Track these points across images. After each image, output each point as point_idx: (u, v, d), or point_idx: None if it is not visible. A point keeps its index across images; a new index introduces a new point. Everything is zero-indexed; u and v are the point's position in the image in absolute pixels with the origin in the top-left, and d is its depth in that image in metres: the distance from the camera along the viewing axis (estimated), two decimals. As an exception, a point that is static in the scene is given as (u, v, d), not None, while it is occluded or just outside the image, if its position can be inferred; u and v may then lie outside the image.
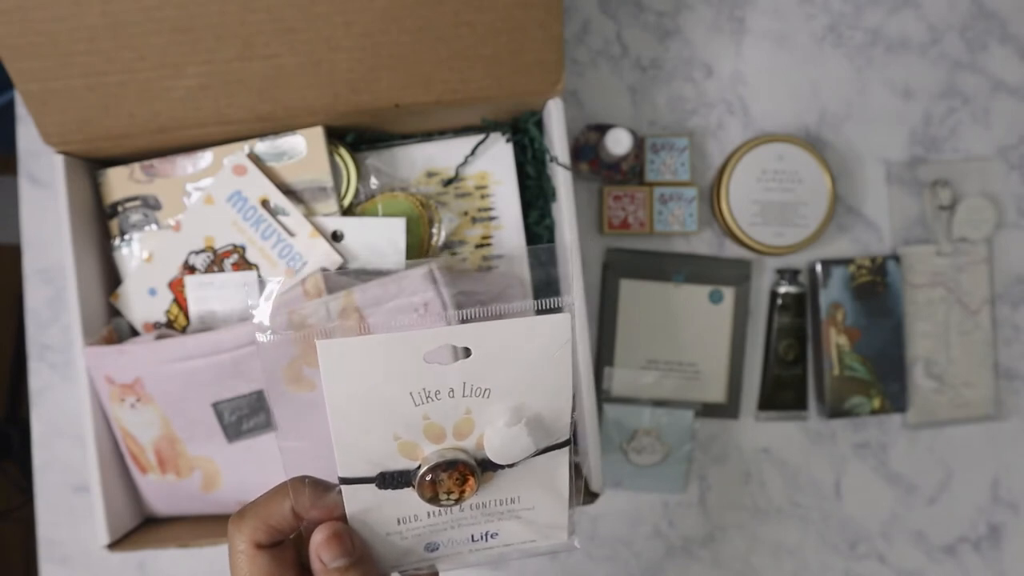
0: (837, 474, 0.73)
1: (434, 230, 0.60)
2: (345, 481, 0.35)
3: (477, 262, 0.61)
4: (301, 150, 0.57)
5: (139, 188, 0.59)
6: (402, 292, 0.52)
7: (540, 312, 0.32)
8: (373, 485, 0.35)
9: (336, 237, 0.57)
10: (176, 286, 0.57)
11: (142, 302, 0.58)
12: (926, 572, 0.73)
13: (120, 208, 0.59)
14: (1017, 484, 0.74)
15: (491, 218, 0.61)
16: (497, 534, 0.39)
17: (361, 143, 0.61)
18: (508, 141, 0.61)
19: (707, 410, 0.71)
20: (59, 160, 0.56)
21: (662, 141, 0.70)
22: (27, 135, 0.70)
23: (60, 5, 0.49)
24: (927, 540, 0.73)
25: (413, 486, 0.35)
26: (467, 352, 0.32)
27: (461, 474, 0.35)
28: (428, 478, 0.35)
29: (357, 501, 0.36)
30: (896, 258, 0.71)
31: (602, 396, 0.70)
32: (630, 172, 0.69)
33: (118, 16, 0.50)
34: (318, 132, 0.57)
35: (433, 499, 0.35)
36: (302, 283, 0.55)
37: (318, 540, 0.36)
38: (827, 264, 0.71)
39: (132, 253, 0.59)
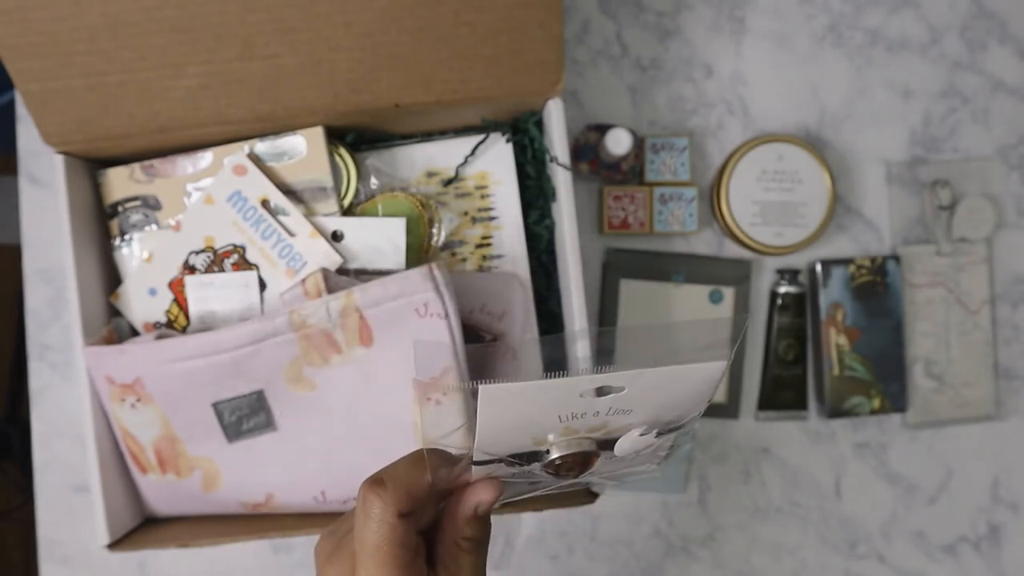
0: (837, 474, 0.73)
1: (434, 230, 0.60)
2: (476, 463, 0.35)
3: (477, 262, 0.61)
4: (301, 150, 0.57)
5: (139, 188, 0.59)
6: (403, 292, 0.52)
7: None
8: (502, 464, 0.36)
9: (336, 237, 0.57)
10: (176, 286, 0.57)
11: (142, 302, 0.58)
12: (926, 572, 0.73)
13: (120, 208, 0.59)
14: (1017, 484, 0.74)
15: (491, 218, 0.61)
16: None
17: (361, 143, 0.61)
18: (508, 141, 0.61)
19: (707, 410, 0.71)
20: (59, 160, 0.56)
21: (662, 141, 0.70)
22: (27, 135, 0.70)
23: (60, 5, 0.49)
24: (927, 540, 0.73)
25: (539, 463, 0.36)
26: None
27: (585, 457, 0.36)
28: (557, 463, 0.35)
29: (483, 470, 0.37)
30: (896, 258, 0.71)
31: (602, 396, 0.70)
32: (630, 172, 0.69)
33: (118, 16, 0.50)
34: (318, 132, 0.57)
35: (554, 473, 0.37)
36: (302, 283, 0.55)
37: (479, 489, 0.37)
38: (827, 264, 0.71)
39: (132, 253, 0.59)
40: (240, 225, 0.56)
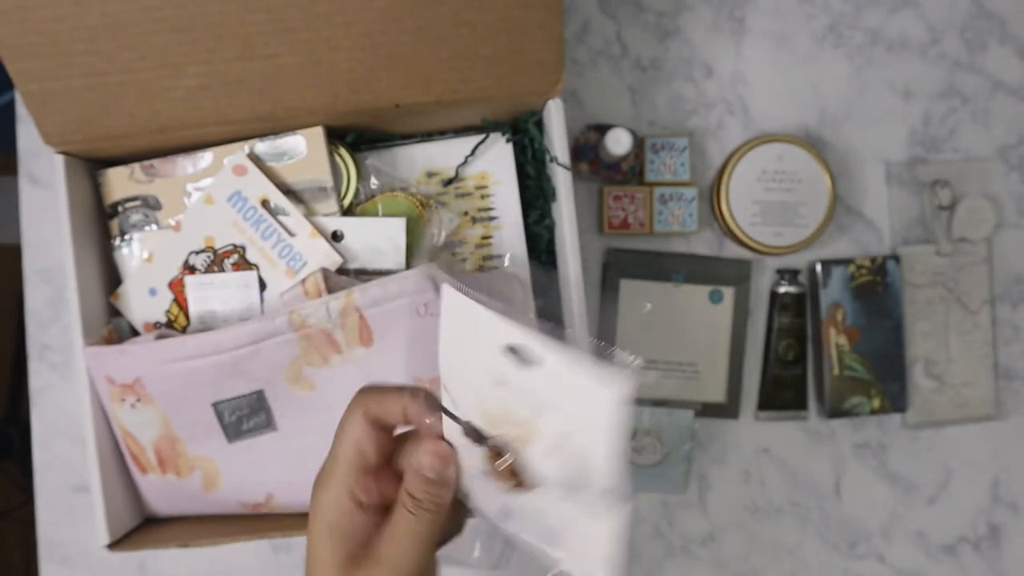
0: (837, 474, 0.73)
1: (434, 230, 0.60)
2: (445, 411, 0.38)
3: (477, 262, 0.61)
4: (301, 150, 0.57)
5: (139, 188, 0.59)
6: (402, 292, 0.52)
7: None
8: (461, 429, 0.38)
9: (336, 237, 0.57)
10: (176, 286, 0.57)
11: (142, 302, 0.58)
12: (926, 572, 0.73)
13: (120, 208, 0.59)
14: (1017, 484, 0.74)
15: (491, 218, 0.61)
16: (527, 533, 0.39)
17: (361, 143, 0.61)
18: (508, 141, 0.61)
19: (707, 410, 0.71)
20: (59, 160, 0.56)
21: (662, 141, 0.70)
22: (27, 135, 0.70)
23: (60, 5, 0.49)
24: (927, 540, 0.73)
25: (486, 447, 0.37)
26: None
27: (512, 472, 0.37)
28: (496, 449, 0.37)
29: (449, 434, 0.39)
30: (896, 258, 0.71)
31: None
32: (630, 172, 0.69)
33: (118, 16, 0.50)
34: (318, 132, 0.57)
35: (494, 474, 0.38)
36: (302, 283, 0.55)
37: (428, 448, 0.39)
38: (827, 264, 0.71)
39: (132, 253, 0.59)
40: (240, 225, 0.56)
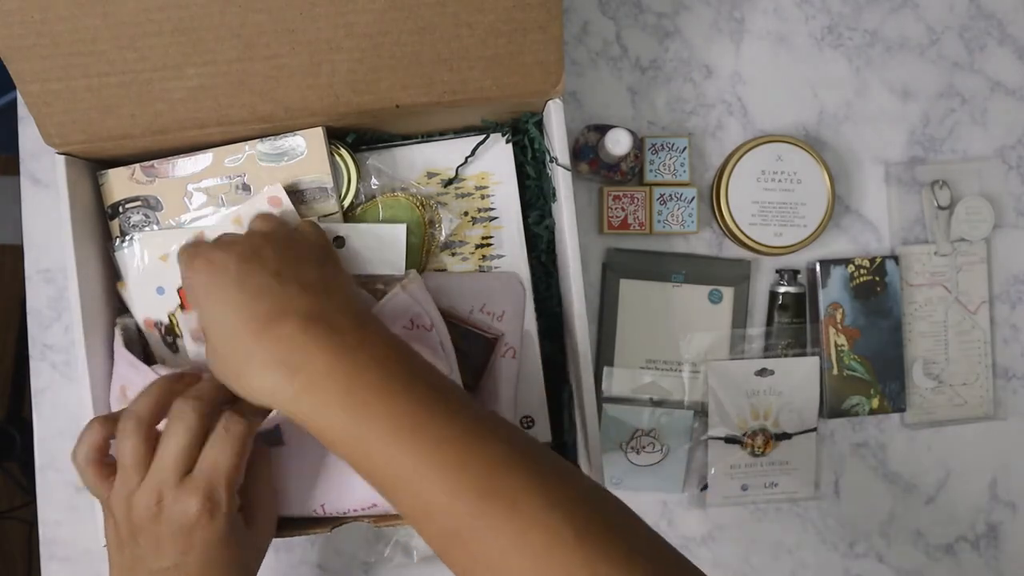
0: (836, 473, 0.73)
1: (434, 231, 0.60)
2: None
3: (477, 262, 0.61)
4: (301, 150, 0.57)
5: (140, 189, 0.59)
6: (395, 314, 0.53)
7: None
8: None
9: (337, 243, 0.57)
10: (184, 294, 0.57)
11: (148, 298, 0.58)
12: (925, 571, 0.73)
13: (121, 208, 0.59)
14: (1015, 483, 0.74)
15: (491, 218, 0.61)
16: None
17: (361, 143, 0.61)
18: (508, 142, 0.61)
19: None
20: (60, 161, 0.56)
21: (662, 141, 0.70)
22: (29, 136, 0.70)
23: (61, 6, 0.49)
24: (926, 539, 0.73)
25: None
26: None
27: None
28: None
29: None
30: (895, 258, 0.71)
31: (602, 396, 0.70)
32: (630, 172, 0.69)
33: (119, 17, 0.50)
34: (318, 132, 0.57)
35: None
36: None
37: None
38: (826, 264, 0.71)
39: (133, 253, 0.59)
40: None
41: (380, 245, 0.57)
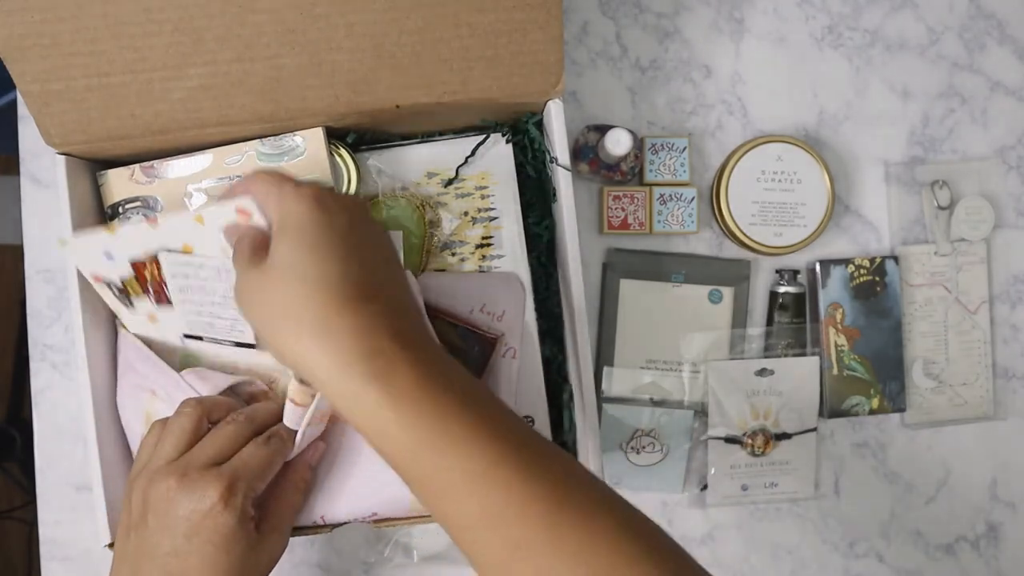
0: (836, 473, 0.73)
1: (434, 231, 0.60)
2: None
3: (477, 262, 0.61)
4: (301, 151, 0.57)
5: (139, 189, 0.59)
6: None
7: None
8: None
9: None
10: (141, 268, 0.52)
11: (95, 258, 0.53)
12: (925, 571, 0.73)
13: (121, 209, 0.59)
14: (1015, 483, 0.74)
15: (491, 218, 0.61)
16: None
17: (361, 144, 0.61)
18: (508, 142, 0.61)
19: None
20: (61, 161, 0.56)
21: (661, 141, 0.70)
22: (29, 136, 0.70)
23: (62, 6, 0.49)
24: (926, 539, 0.73)
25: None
26: None
27: None
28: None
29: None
30: (895, 258, 0.71)
31: (602, 396, 0.71)
32: (630, 172, 0.69)
33: (119, 17, 0.50)
34: (318, 133, 0.57)
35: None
36: None
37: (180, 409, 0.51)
38: (826, 264, 0.71)
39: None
40: (230, 255, 0.48)
41: None
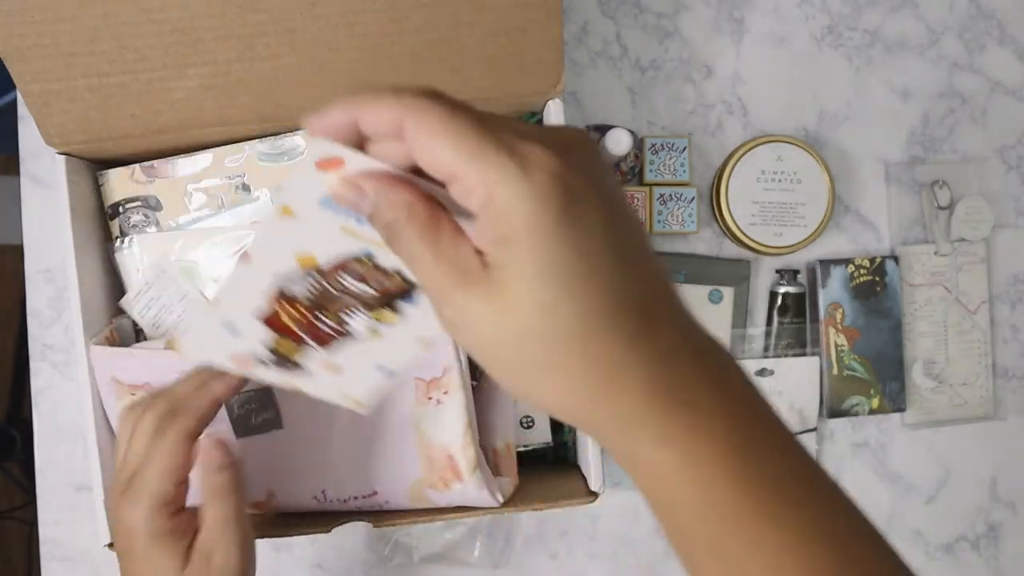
0: (836, 473, 0.73)
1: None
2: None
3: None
4: (301, 150, 0.57)
5: (140, 189, 0.59)
6: None
7: None
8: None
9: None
10: (275, 320, 0.40)
11: (218, 339, 0.42)
12: (925, 571, 0.73)
13: (121, 209, 0.59)
14: (1015, 483, 0.74)
15: (491, 218, 0.61)
16: None
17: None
18: (508, 142, 0.61)
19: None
20: (61, 161, 0.56)
21: (661, 141, 0.70)
22: (29, 136, 0.70)
23: (62, 6, 0.49)
24: (926, 539, 0.73)
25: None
26: None
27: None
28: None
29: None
30: (895, 258, 0.71)
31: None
32: (630, 172, 0.69)
33: (119, 17, 0.50)
34: (319, 133, 0.57)
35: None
36: None
37: (208, 445, 0.44)
38: (826, 264, 0.71)
39: (133, 255, 0.59)
40: (354, 229, 0.36)
41: None
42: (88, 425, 0.56)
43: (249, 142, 0.57)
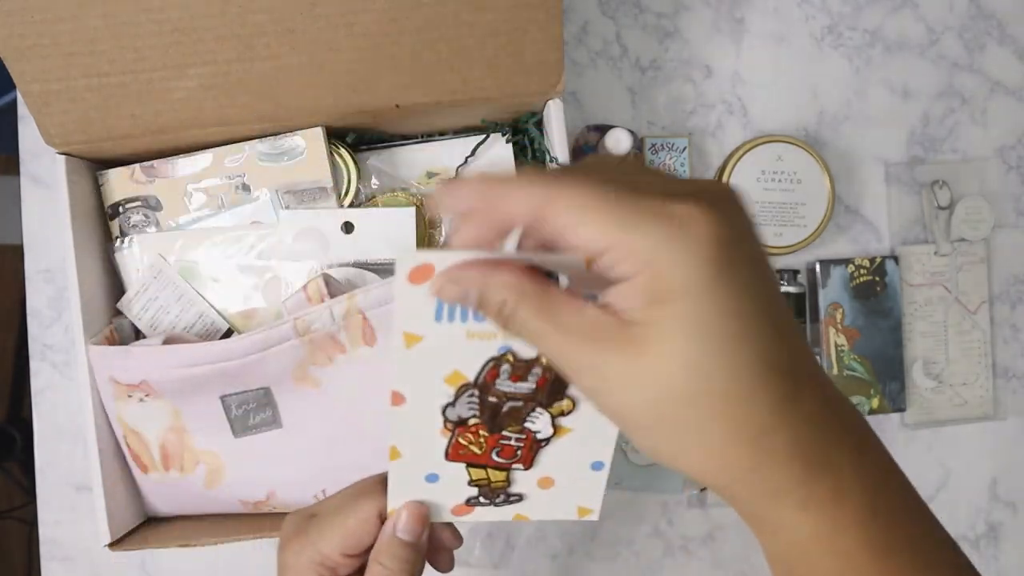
0: (836, 473, 0.73)
1: (434, 231, 0.60)
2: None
3: (477, 262, 0.61)
4: (301, 150, 0.57)
5: (140, 189, 0.59)
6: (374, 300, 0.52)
7: None
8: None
9: (347, 228, 0.58)
10: (457, 451, 0.37)
11: (423, 490, 0.39)
12: (925, 571, 0.73)
13: (121, 209, 0.59)
14: (1015, 483, 0.74)
15: (491, 218, 0.61)
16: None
17: (361, 143, 0.61)
18: (508, 142, 0.61)
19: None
20: (61, 161, 0.56)
21: (662, 141, 0.70)
22: (29, 136, 0.70)
23: (62, 6, 0.49)
24: (926, 539, 0.73)
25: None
26: None
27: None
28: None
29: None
30: (895, 258, 0.71)
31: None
32: (630, 172, 0.69)
33: (119, 17, 0.50)
34: (318, 133, 0.57)
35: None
36: (304, 288, 0.55)
37: (408, 508, 0.38)
38: (826, 264, 0.71)
39: (133, 255, 0.59)
40: (479, 330, 0.33)
41: (389, 229, 0.57)
42: (88, 425, 0.56)
43: (249, 142, 0.57)
